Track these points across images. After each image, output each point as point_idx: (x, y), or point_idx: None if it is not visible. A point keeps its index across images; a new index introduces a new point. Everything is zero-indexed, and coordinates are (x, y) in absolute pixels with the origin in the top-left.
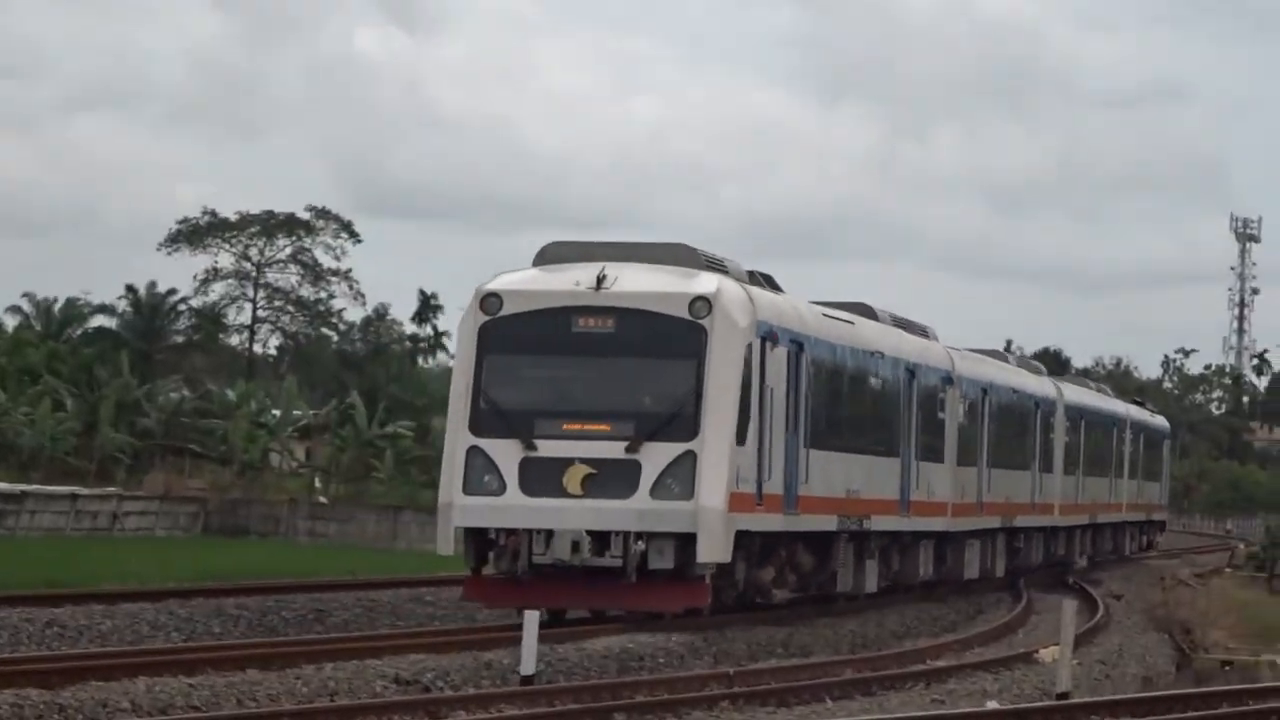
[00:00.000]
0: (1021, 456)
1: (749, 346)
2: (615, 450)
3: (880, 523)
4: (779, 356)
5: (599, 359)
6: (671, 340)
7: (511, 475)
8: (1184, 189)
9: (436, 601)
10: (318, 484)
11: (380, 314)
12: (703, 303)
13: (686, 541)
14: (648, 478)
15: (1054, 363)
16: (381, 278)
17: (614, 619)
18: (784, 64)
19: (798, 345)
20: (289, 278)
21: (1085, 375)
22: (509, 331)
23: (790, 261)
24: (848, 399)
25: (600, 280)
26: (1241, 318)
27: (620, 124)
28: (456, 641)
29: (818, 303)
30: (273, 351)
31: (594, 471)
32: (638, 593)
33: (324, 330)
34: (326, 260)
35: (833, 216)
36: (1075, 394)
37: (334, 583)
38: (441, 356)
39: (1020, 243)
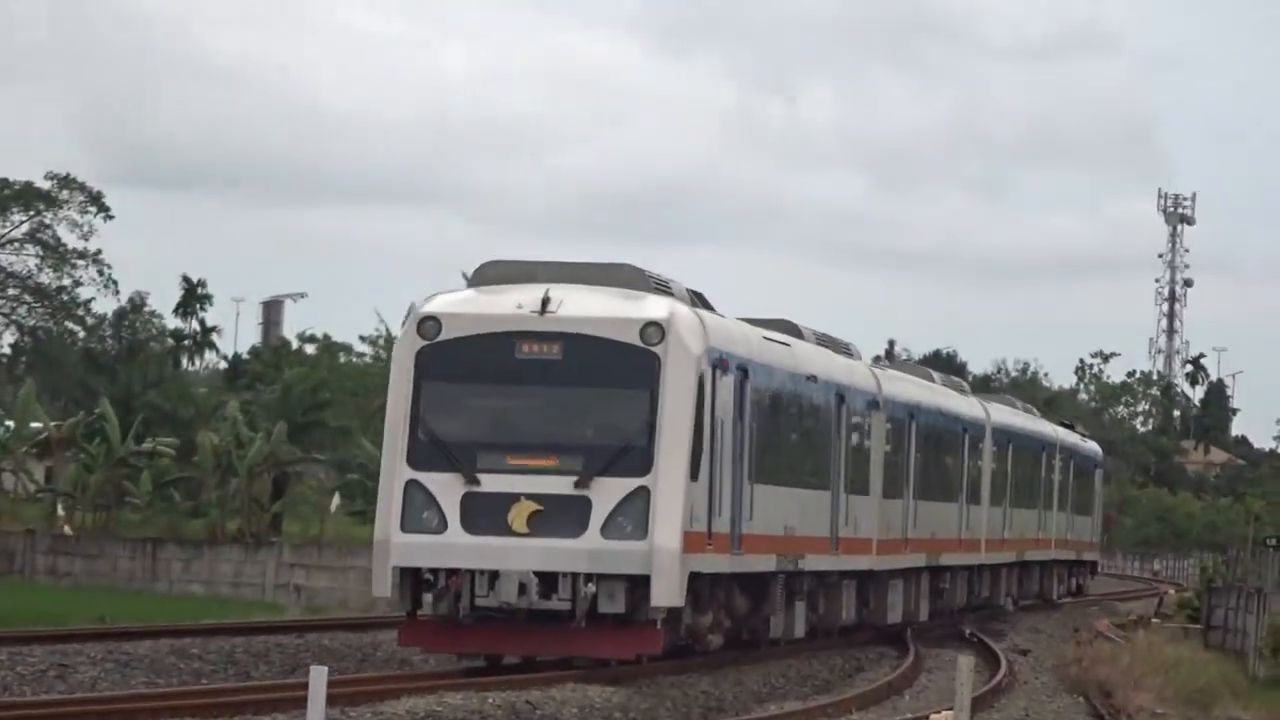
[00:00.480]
0: (948, 487)
1: (701, 375)
2: (564, 486)
3: (812, 562)
4: (727, 385)
5: (545, 388)
6: (623, 368)
7: (453, 512)
8: (1104, 159)
9: (204, 654)
10: (60, 512)
11: (136, 305)
12: (655, 328)
13: (638, 584)
14: (599, 515)
15: (946, 368)
16: (138, 261)
17: (559, 665)
18: (623, 3)
19: (743, 372)
20: (25, 260)
21: (987, 386)
22: (448, 357)
23: (629, 243)
24: (785, 428)
25: (545, 303)
26: (1172, 315)
27: (428, 74)
28: (228, 704)
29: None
30: (5, 350)
31: (541, 508)
32: (587, 639)
33: (68, 325)
34: (71, 239)
35: (680, 189)
36: (1003, 415)
37: (79, 631)
38: (210, 356)
39: (905, 221)
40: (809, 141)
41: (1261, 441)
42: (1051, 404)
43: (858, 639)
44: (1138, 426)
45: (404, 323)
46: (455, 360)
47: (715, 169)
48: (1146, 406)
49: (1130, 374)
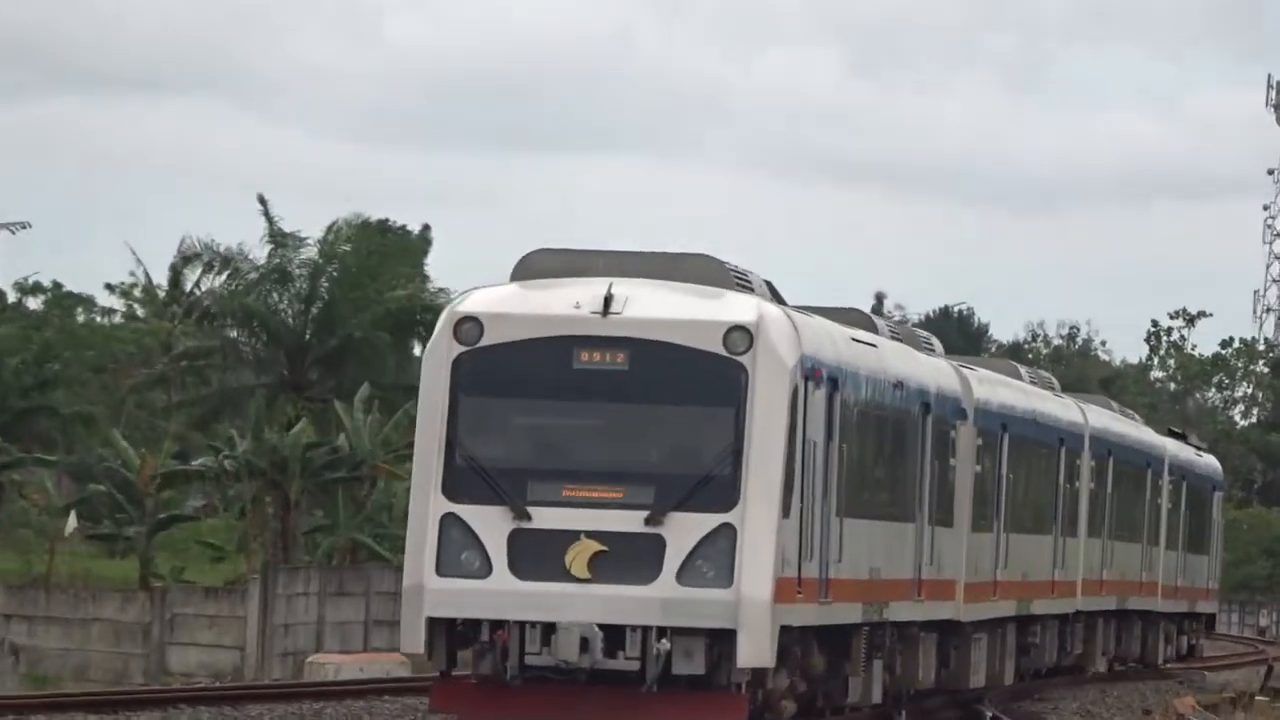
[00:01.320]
0: (1041, 515)
1: (795, 389)
2: (632, 522)
3: (896, 610)
4: (819, 399)
5: (609, 404)
6: (703, 381)
7: (499, 552)
8: (1188, 32)
9: None
10: None
11: None
12: (742, 334)
13: (720, 640)
14: (674, 558)
15: (959, 333)
16: None
17: None
18: None
19: (833, 383)
20: None
21: (1017, 358)
22: (492, 367)
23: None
24: (873, 448)
25: (608, 302)
26: None
27: None
28: None
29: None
30: None
31: (605, 549)
32: (661, 705)
33: None
34: None
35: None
36: (1101, 420)
37: None
38: None
39: (897, 122)
40: (764, 8)
41: None
42: (1111, 385)
43: (928, 705)
44: (1237, 418)
45: (438, 324)
46: (500, 370)
47: (625, 45)
48: (1250, 389)
49: (1226, 343)
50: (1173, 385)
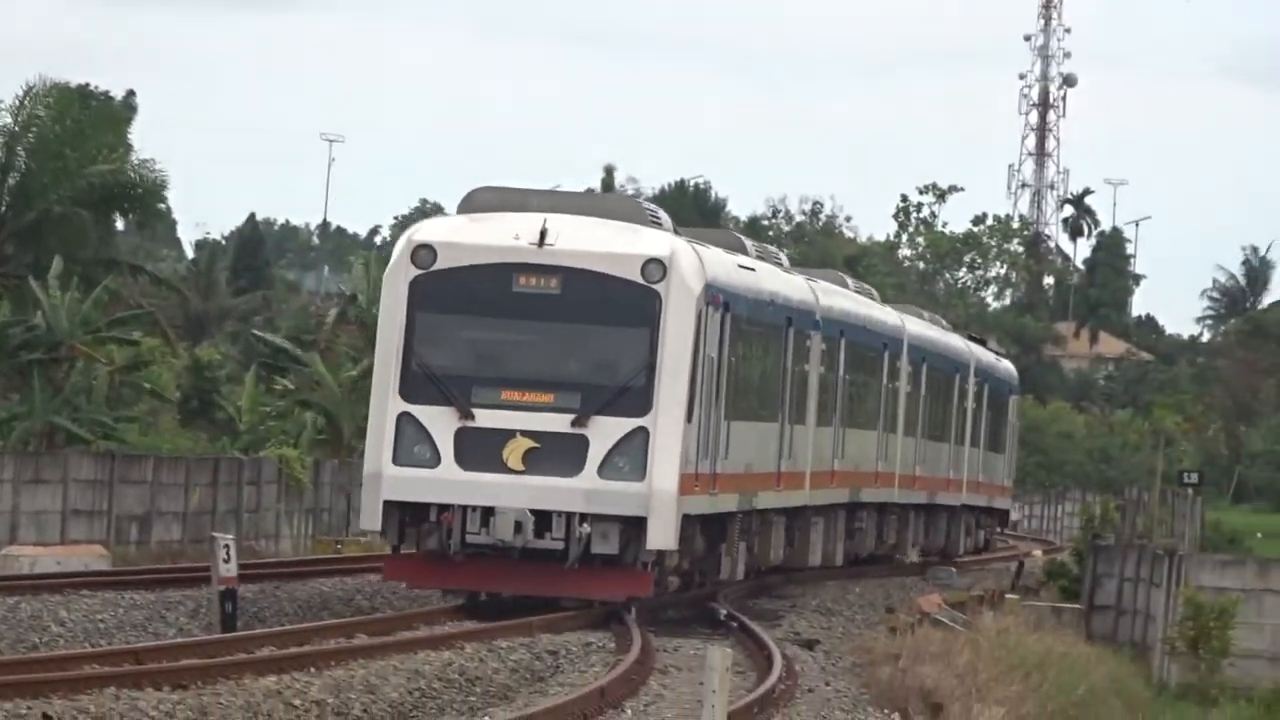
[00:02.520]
0: (869, 413)
1: (700, 313)
2: (561, 423)
3: (763, 499)
4: (715, 320)
5: (543, 322)
6: (623, 305)
7: (446, 446)
8: None
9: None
10: None
11: None
12: (657, 265)
13: (633, 525)
14: (596, 455)
15: (696, 208)
16: None
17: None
18: None
19: (725, 306)
20: None
21: (756, 234)
22: (443, 287)
23: None
24: (752, 360)
25: (543, 235)
26: (1043, 131)
27: None
28: None
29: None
30: None
31: (537, 445)
32: (579, 579)
33: None
34: None
35: None
36: (917, 327)
37: None
38: None
39: None
40: None
41: (1177, 324)
42: (857, 263)
43: (663, 601)
44: (989, 300)
45: (395, 249)
46: (450, 291)
47: None
48: (1003, 269)
49: (979, 220)
50: (922, 264)
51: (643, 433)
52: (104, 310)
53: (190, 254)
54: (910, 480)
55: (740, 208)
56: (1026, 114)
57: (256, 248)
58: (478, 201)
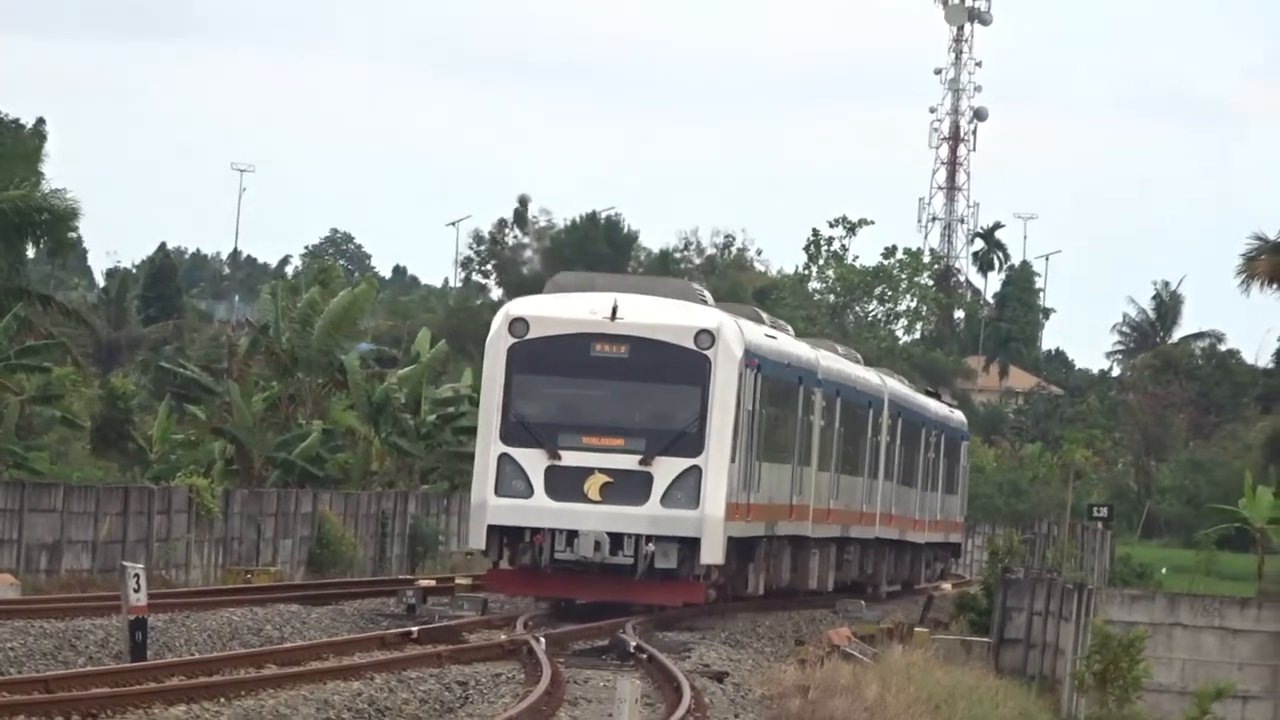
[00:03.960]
0: (857, 461)
1: (740, 374)
2: (630, 462)
3: (781, 527)
4: (749, 379)
5: (615, 381)
6: (680, 367)
7: (538, 481)
8: None
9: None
10: None
11: None
12: (707, 335)
13: (688, 545)
14: (659, 488)
15: (610, 244)
16: None
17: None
18: None
19: (758, 367)
20: None
21: (666, 267)
22: (535, 353)
23: None
24: (774, 411)
25: (615, 310)
26: (954, 165)
27: None
28: None
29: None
30: None
31: (611, 480)
32: (645, 589)
33: None
34: None
35: None
36: (895, 386)
37: None
38: None
39: (525, 9)
40: None
41: (1087, 359)
42: (767, 296)
43: (571, 632)
44: (898, 333)
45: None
46: (540, 356)
47: None
48: (913, 302)
49: (889, 252)
50: (832, 297)
51: (696, 470)
52: (13, 339)
53: (101, 282)
54: (888, 519)
55: (652, 240)
56: (937, 147)
57: (168, 277)
58: (561, 283)
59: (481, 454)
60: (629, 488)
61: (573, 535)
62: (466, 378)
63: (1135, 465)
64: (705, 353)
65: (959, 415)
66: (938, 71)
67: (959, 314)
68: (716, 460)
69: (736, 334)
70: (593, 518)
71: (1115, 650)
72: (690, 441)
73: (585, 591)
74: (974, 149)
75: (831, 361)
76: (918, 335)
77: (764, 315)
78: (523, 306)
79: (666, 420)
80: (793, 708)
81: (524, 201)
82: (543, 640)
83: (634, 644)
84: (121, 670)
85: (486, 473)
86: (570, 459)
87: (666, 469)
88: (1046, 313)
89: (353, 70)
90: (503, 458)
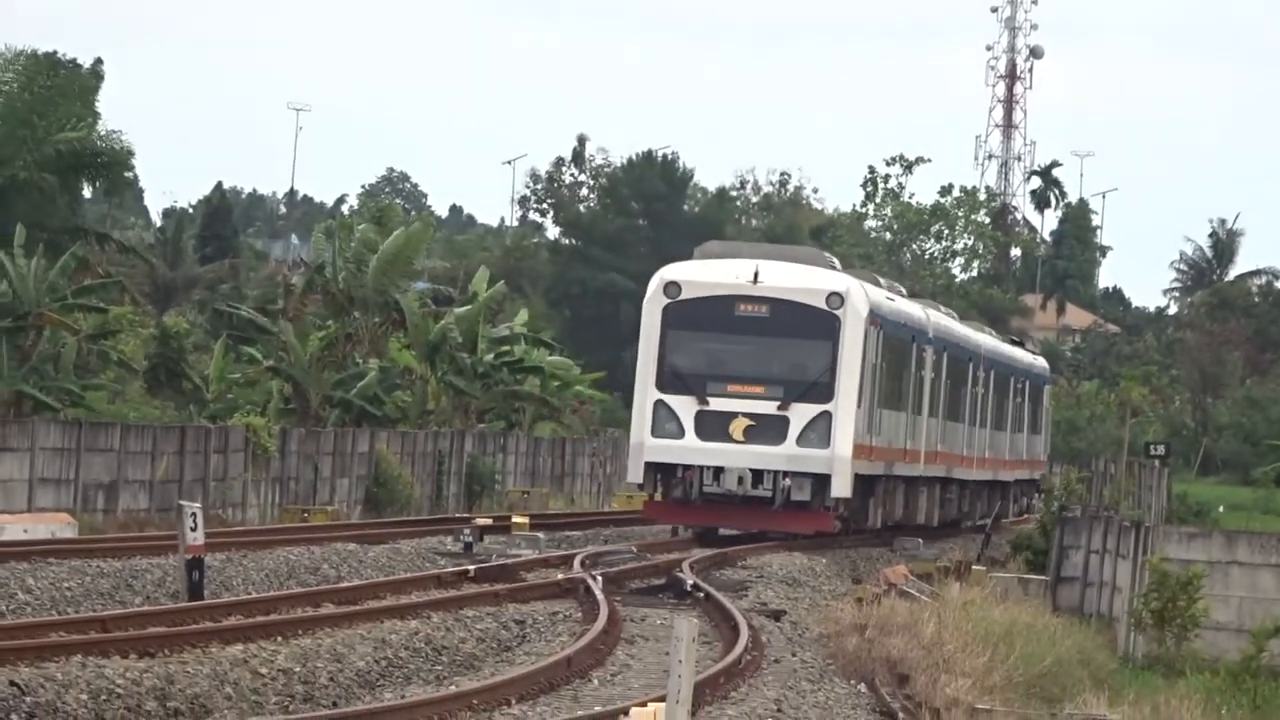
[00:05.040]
0: (959, 410)
1: (865, 331)
2: (770, 408)
3: (897, 468)
4: (873, 335)
5: (756, 337)
6: (812, 325)
7: (689, 423)
8: None
9: None
10: None
11: None
12: (837, 297)
13: (820, 480)
14: (794, 430)
15: (666, 183)
16: None
17: (760, 537)
18: None
19: (879, 325)
20: None
21: (722, 205)
22: (686, 312)
23: None
24: (892, 364)
25: (756, 275)
26: (1010, 102)
27: None
28: None
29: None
30: None
31: (753, 423)
32: (783, 518)
33: None
34: None
35: None
36: (989, 343)
37: None
38: None
39: None
40: None
41: (1143, 296)
42: (824, 234)
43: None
44: (955, 271)
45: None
46: (691, 314)
47: None
48: (970, 241)
49: (945, 191)
50: (889, 235)
51: (827, 415)
52: (71, 278)
53: (158, 222)
54: (983, 462)
55: (708, 178)
56: (993, 86)
57: (224, 217)
58: (709, 250)
59: (639, 400)
60: (768, 430)
61: (719, 471)
62: (522, 317)
63: (1192, 403)
64: (835, 312)
65: (1041, 362)
66: (994, 9)
67: (1016, 252)
68: (845, 406)
69: (862, 296)
70: (737, 456)
71: (1172, 588)
72: (822, 390)
73: (729, 521)
74: (1030, 87)
75: (939, 320)
76: (974, 273)
77: (881, 279)
78: (676, 271)
79: (801, 371)
80: (850, 646)
81: (582, 140)
82: (600, 578)
83: (691, 582)
84: (179, 609)
85: (644, 416)
86: (717, 404)
87: (801, 414)
88: (1103, 250)
89: (411, 7)
90: (658, 403)
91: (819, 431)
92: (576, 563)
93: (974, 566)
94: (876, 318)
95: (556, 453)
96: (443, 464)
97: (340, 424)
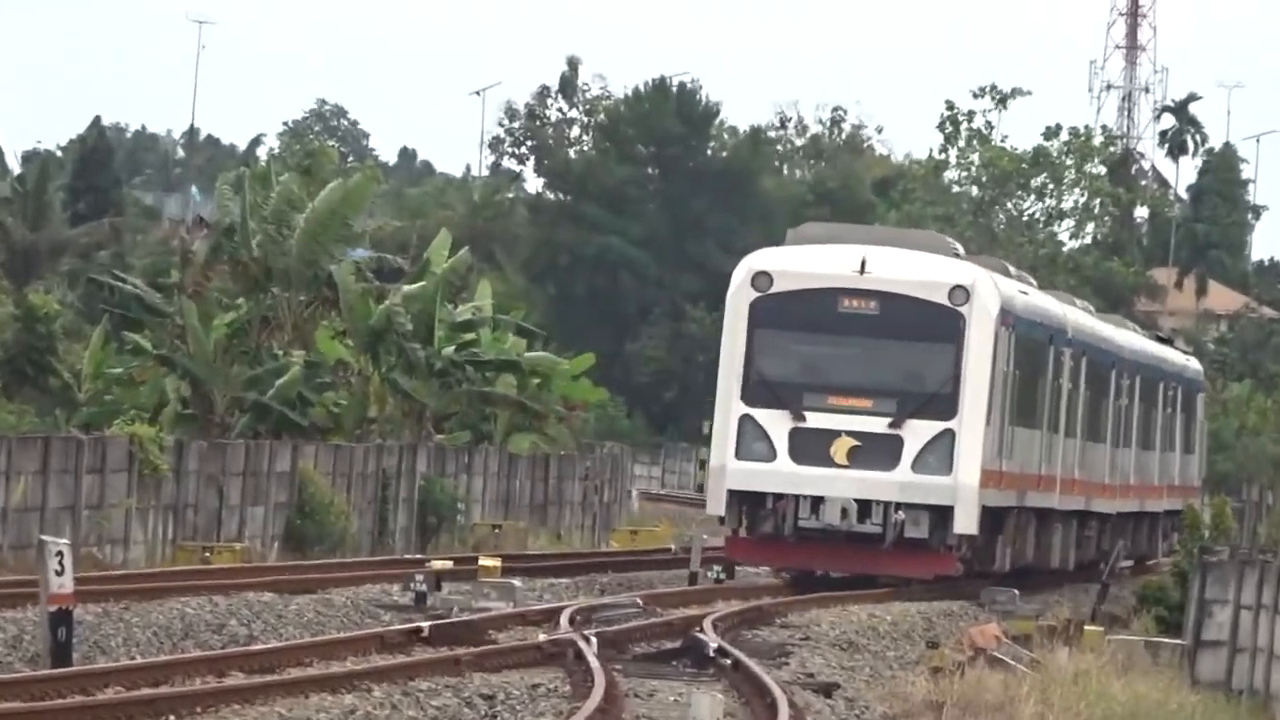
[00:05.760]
0: (1100, 426)
1: (996, 333)
2: (879, 425)
3: (1030, 498)
4: (1004, 338)
5: (864, 339)
6: (932, 325)
7: (782, 443)
8: None
9: None
10: None
11: None
12: (961, 291)
13: (940, 513)
14: (909, 453)
15: (682, 120)
16: None
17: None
18: None
19: (1012, 325)
20: None
21: (757, 148)
22: (779, 308)
23: None
24: (1026, 373)
25: (864, 264)
26: (1135, 23)
27: None
28: None
29: None
30: None
31: (859, 444)
32: (895, 560)
33: None
34: None
35: None
36: (1131, 340)
37: None
38: None
39: None
40: None
41: None
42: (892, 188)
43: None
44: (1062, 237)
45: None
46: (785, 311)
47: None
48: (1082, 198)
49: (1051, 133)
50: (975, 190)
51: (949, 434)
52: None
53: (15, 170)
54: (1128, 490)
55: (739, 116)
56: (1115, 14)
57: (102, 162)
58: (805, 234)
59: (721, 415)
60: (878, 452)
61: (818, 501)
62: (486, 291)
63: None
64: (959, 309)
65: (1194, 364)
66: None
67: (1142, 212)
68: (971, 423)
69: (992, 289)
70: (840, 483)
71: None
72: (944, 403)
73: (830, 562)
74: (1152, 13)
75: (1078, 317)
76: (1088, 240)
77: (1010, 267)
78: (765, 259)
79: (918, 381)
80: None
81: (573, 64)
82: (594, 640)
83: (715, 645)
84: (38, 679)
85: (726, 435)
86: (815, 420)
87: (918, 432)
88: (1257, 211)
89: None
90: (744, 419)
91: (939, 454)
92: (564, 619)
93: (1088, 626)
94: (1008, 315)
95: (538, 474)
96: (388, 488)
97: (253, 434)
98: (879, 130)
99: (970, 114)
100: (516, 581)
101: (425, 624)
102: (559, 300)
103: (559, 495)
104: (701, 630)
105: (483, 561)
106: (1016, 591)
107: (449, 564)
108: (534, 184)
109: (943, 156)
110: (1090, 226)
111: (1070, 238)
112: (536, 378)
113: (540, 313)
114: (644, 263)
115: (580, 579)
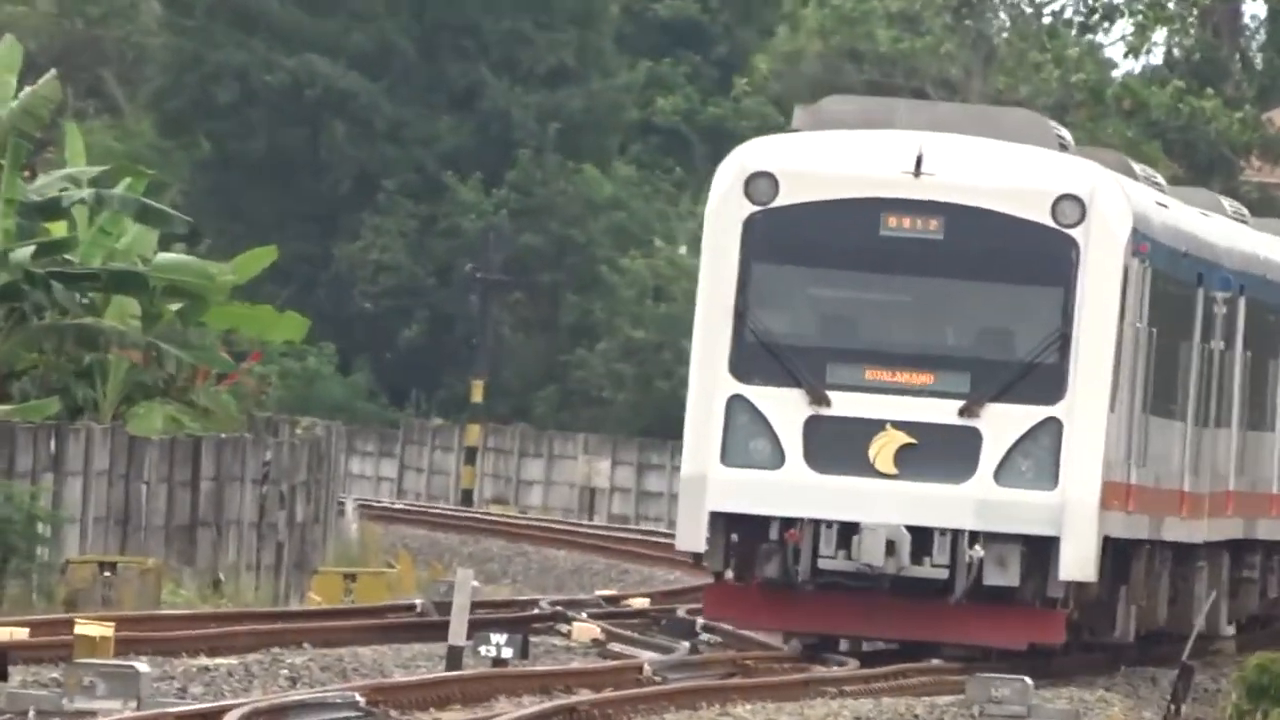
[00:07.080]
0: (1264, 407)
1: (1125, 269)
2: (945, 412)
3: (1168, 528)
4: (1139, 279)
5: (921, 278)
6: (1028, 256)
7: (793, 441)
8: None
9: None
10: None
11: None
12: (1075, 204)
13: (1039, 549)
14: (991, 454)
15: None
16: None
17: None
18: None
19: (1146, 259)
20: None
21: None
22: (789, 230)
23: None
24: (1166, 332)
25: (919, 161)
26: None
27: None
28: None
29: None
30: None
31: (913, 441)
32: (969, 620)
33: None
34: None
35: None
36: None
37: None
38: None
39: None
40: None
41: None
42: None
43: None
44: (1114, 54)
45: (719, 177)
46: (798, 234)
47: None
48: (1144, 9)
49: None
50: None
51: (1054, 425)
52: None
53: None
54: None
55: None
56: None
57: None
58: (829, 115)
59: (699, 396)
60: (943, 454)
61: (850, 530)
62: (78, 145)
63: None
64: (1070, 232)
65: None
66: None
67: (1255, 6)
68: (1088, 409)
69: (1120, 202)
70: (884, 502)
71: None
72: (1045, 378)
73: (870, 623)
74: None
75: (1234, 236)
76: (1152, 58)
77: (1132, 163)
78: (766, 153)
79: (1005, 343)
80: None
81: None
82: None
83: None
84: None
85: (707, 426)
86: (845, 405)
87: (1005, 423)
88: None
89: None
90: (734, 402)
91: (1039, 457)
92: None
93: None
94: (1144, 241)
95: (179, 474)
96: None
97: None
98: None
99: None
100: (142, 665)
101: None
102: (216, 165)
103: (217, 511)
104: None
105: (81, 629)
106: (1029, 681)
107: (22, 633)
108: None
109: None
110: (1161, 34)
111: (1126, 55)
112: (177, 300)
113: (186, 189)
114: (369, 98)
115: (256, 658)
